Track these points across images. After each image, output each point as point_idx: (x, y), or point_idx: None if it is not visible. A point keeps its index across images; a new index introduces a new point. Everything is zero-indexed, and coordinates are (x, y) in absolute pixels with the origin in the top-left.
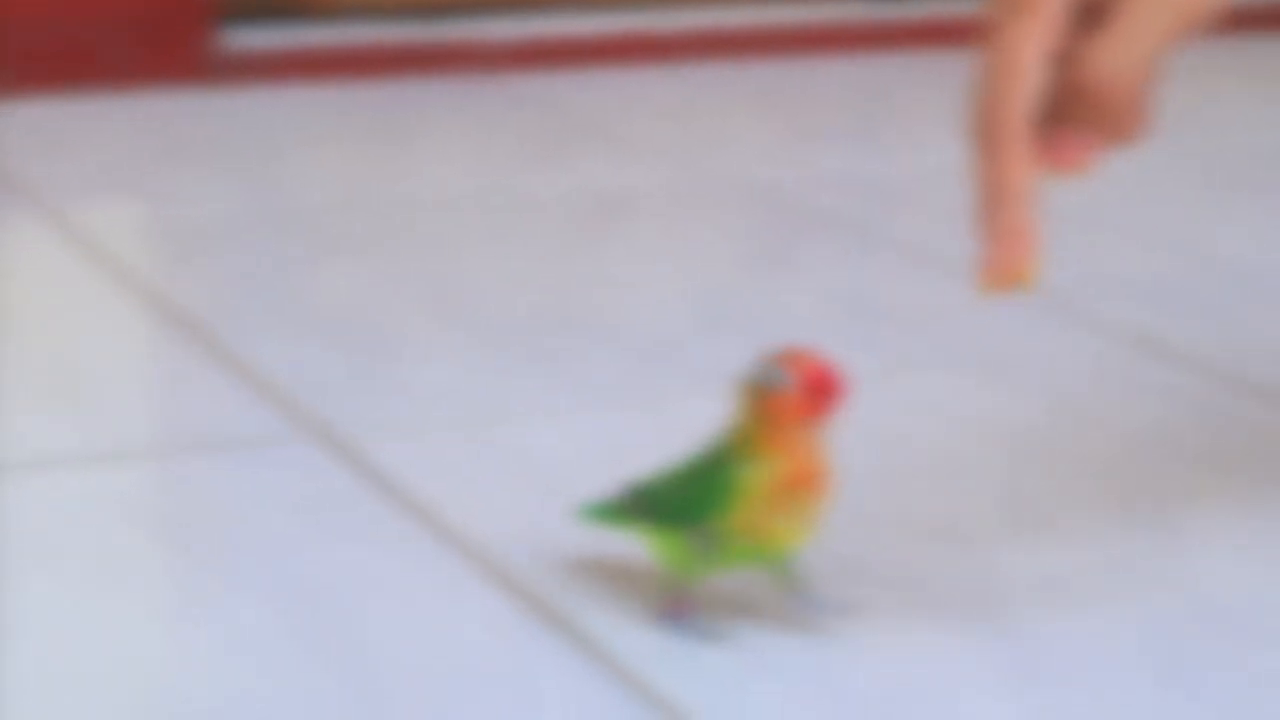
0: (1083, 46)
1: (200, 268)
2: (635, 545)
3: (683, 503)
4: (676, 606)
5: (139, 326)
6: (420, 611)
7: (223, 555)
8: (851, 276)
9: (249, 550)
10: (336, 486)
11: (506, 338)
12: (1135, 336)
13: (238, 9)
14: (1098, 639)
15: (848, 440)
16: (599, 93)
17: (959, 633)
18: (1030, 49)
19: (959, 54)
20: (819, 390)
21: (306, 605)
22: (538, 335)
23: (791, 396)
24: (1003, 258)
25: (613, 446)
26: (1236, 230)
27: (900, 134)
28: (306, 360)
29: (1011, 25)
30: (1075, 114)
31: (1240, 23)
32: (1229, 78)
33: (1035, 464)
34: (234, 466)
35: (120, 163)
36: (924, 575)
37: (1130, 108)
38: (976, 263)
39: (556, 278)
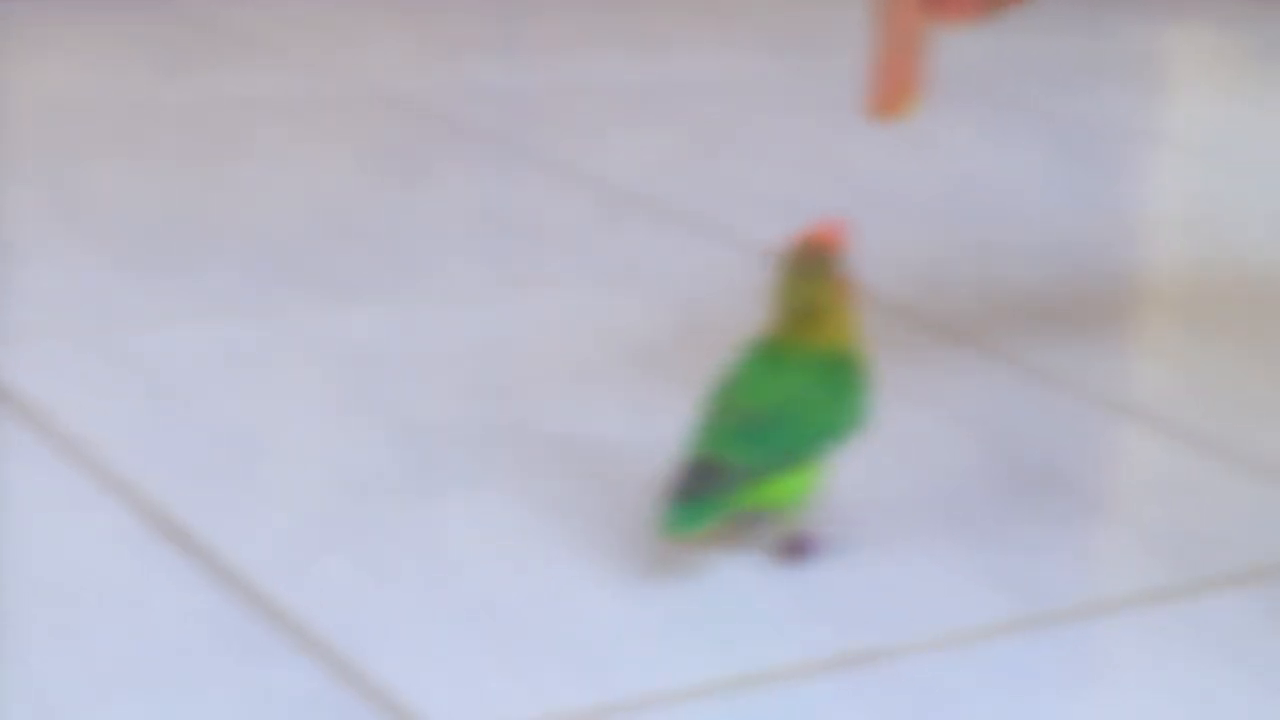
0: None
1: None
2: (257, 453)
3: (829, 424)
4: (803, 539)
5: None
6: (36, 521)
7: None
8: (486, 189)
9: None
10: None
11: (126, 245)
12: (766, 251)
13: None
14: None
15: (482, 350)
16: (239, 3)
17: (580, 530)
18: None
19: None
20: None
21: None
22: (158, 242)
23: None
24: (888, 88)
25: (229, 355)
26: (863, 149)
27: (539, 49)
28: None
29: None
30: None
31: None
32: None
33: (659, 376)
34: None
35: None
36: (546, 482)
37: None
38: (867, 93)
39: (181, 185)
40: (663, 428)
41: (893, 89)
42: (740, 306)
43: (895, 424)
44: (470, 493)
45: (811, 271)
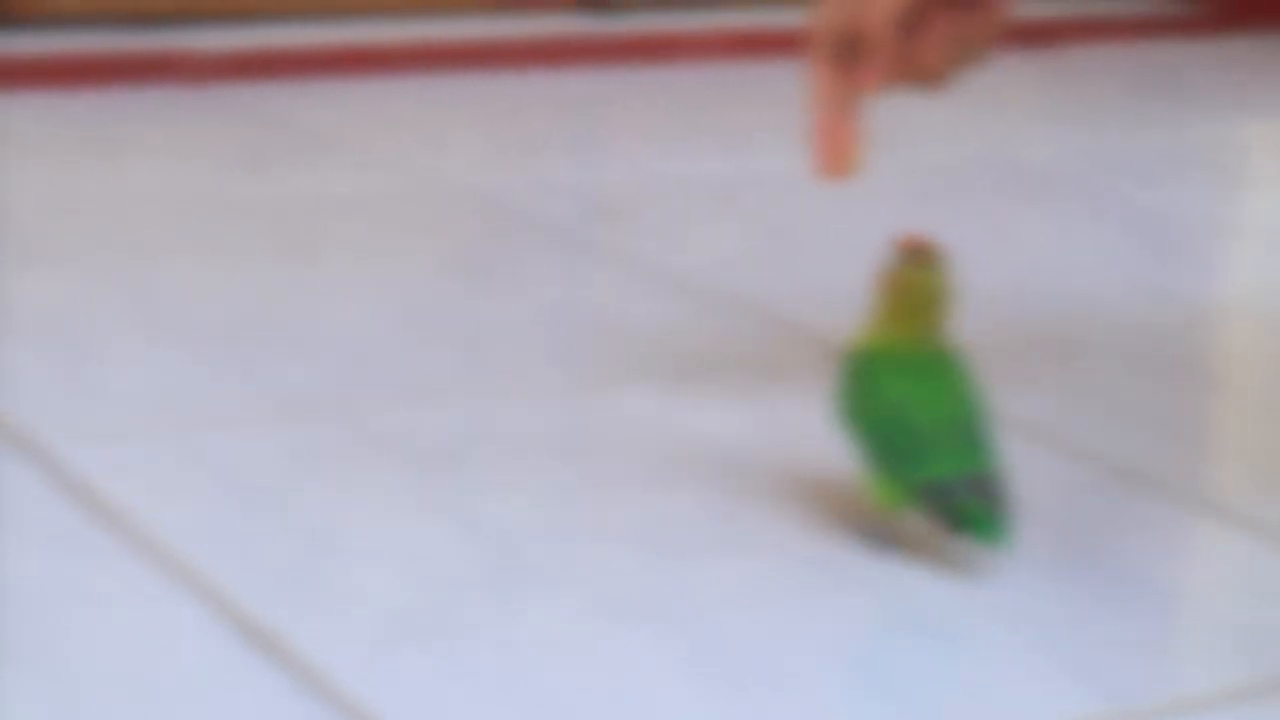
0: None
1: None
2: (339, 551)
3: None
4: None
5: None
6: (117, 620)
7: None
8: (565, 287)
9: None
10: (35, 493)
11: (209, 345)
12: (840, 347)
13: None
14: (798, 642)
15: (559, 447)
16: (314, 103)
17: (657, 639)
18: None
19: (670, 68)
20: None
21: (2, 612)
22: (240, 343)
23: None
24: (828, 151)
25: (307, 454)
26: (946, 241)
27: (616, 145)
28: (8, 365)
29: None
30: (863, 46)
31: None
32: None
33: (740, 475)
34: None
35: None
36: (625, 582)
37: (893, 49)
38: (814, 153)
39: (262, 286)
40: (742, 528)
41: (832, 151)
42: (814, 403)
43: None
44: (549, 593)
45: (927, 263)
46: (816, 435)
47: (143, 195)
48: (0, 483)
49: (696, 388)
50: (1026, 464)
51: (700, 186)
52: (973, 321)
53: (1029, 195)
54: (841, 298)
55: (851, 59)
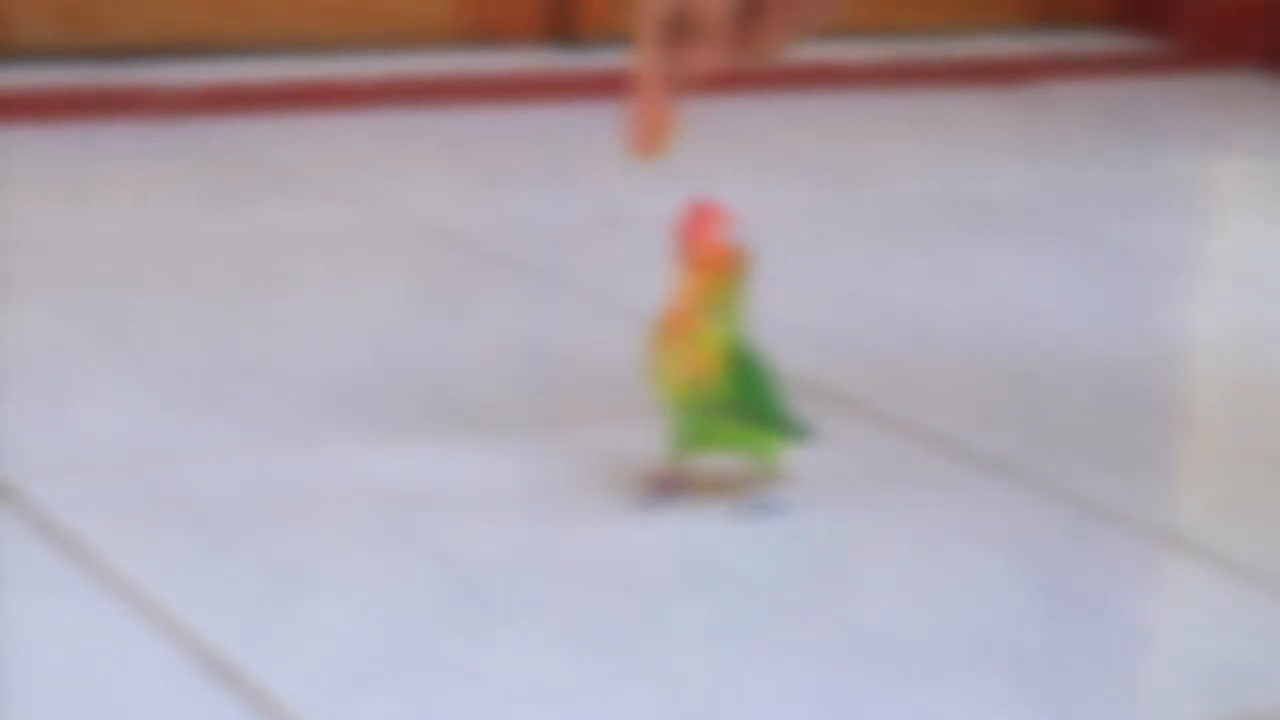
0: None
1: None
2: (304, 588)
3: None
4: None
5: None
6: (84, 657)
7: None
8: (531, 322)
9: None
10: (1, 530)
11: (177, 381)
12: (805, 384)
13: None
14: (766, 682)
15: (525, 482)
16: (282, 138)
17: (624, 674)
18: None
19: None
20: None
21: None
22: (207, 378)
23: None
24: (643, 131)
25: (275, 489)
26: (903, 278)
27: (581, 181)
28: None
29: None
30: (696, 29)
31: (905, 76)
32: (899, 130)
33: (705, 509)
34: None
35: None
36: (593, 618)
37: (729, 32)
38: (629, 132)
39: (229, 320)
40: (710, 564)
41: (648, 132)
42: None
43: (937, 556)
44: (516, 629)
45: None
46: (788, 473)
47: (110, 230)
48: None
49: (659, 422)
50: (993, 499)
51: (663, 221)
52: (938, 357)
53: (995, 231)
54: (803, 332)
55: (682, 42)
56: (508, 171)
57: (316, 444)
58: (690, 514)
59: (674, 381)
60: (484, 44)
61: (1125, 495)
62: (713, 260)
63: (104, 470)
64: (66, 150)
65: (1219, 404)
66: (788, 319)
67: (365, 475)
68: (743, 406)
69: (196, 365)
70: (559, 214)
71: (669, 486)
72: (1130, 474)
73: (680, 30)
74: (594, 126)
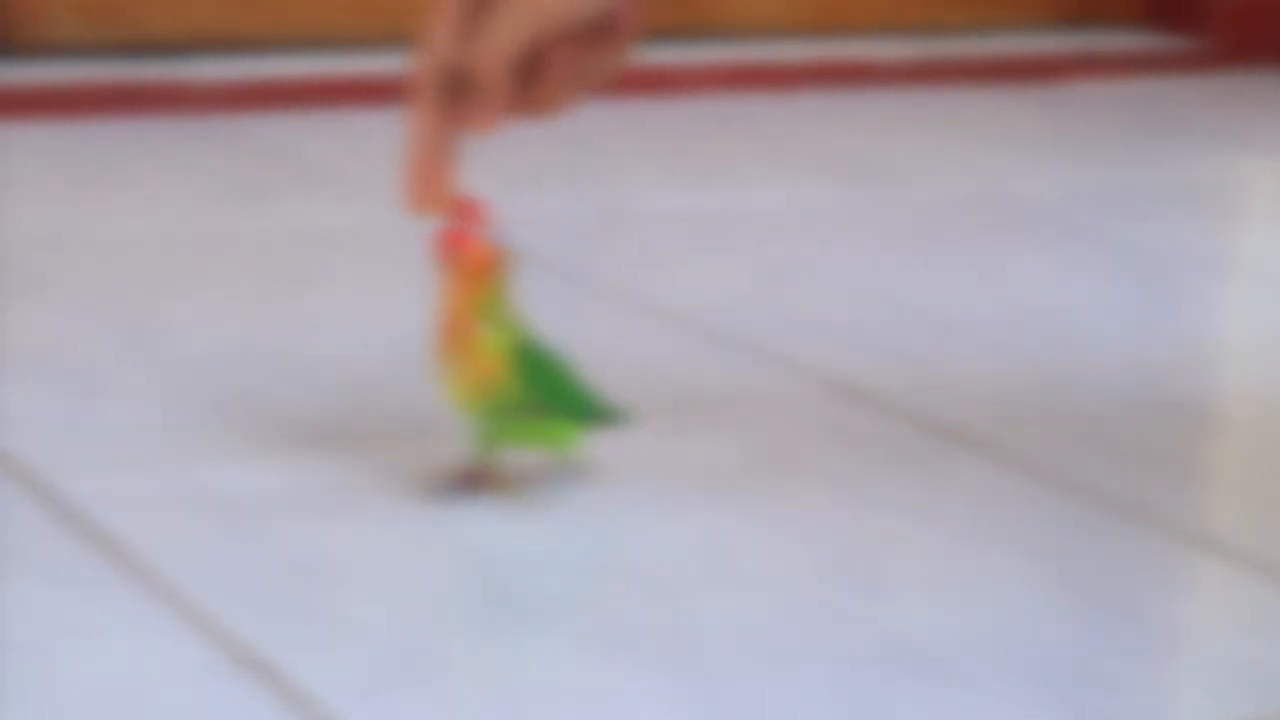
0: (475, 32)
1: None
2: (336, 584)
3: None
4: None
5: None
6: (114, 652)
7: None
8: (558, 320)
9: None
10: (32, 526)
11: (205, 377)
12: (837, 383)
13: None
14: (794, 682)
15: (553, 479)
16: (311, 134)
17: (652, 674)
18: (441, 29)
19: (664, 101)
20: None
21: None
22: (237, 375)
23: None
24: (417, 186)
25: (305, 487)
26: (936, 277)
27: (610, 179)
28: (4, 398)
29: (432, 12)
30: (473, 85)
31: (935, 74)
32: (932, 128)
33: (738, 509)
34: None
35: None
36: (621, 617)
37: (507, 88)
38: (403, 186)
39: (258, 317)
40: (741, 562)
41: (423, 188)
42: (809, 439)
43: (965, 556)
44: (545, 626)
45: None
46: (810, 465)
47: (139, 226)
48: None
49: (690, 420)
50: (1022, 499)
51: (693, 220)
52: (966, 356)
53: (1024, 230)
54: (831, 330)
55: (457, 98)
56: (535, 169)
57: (346, 440)
58: (720, 513)
59: (463, 389)
60: None
61: (1155, 496)
62: (475, 265)
63: (134, 467)
64: (95, 146)
65: (1249, 404)
66: (815, 317)
67: (395, 471)
68: (536, 404)
69: (227, 361)
70: (580, 211)
71: (473, 482)
72: (1160, 474)
73: (457, 85)
74: (620, 124)
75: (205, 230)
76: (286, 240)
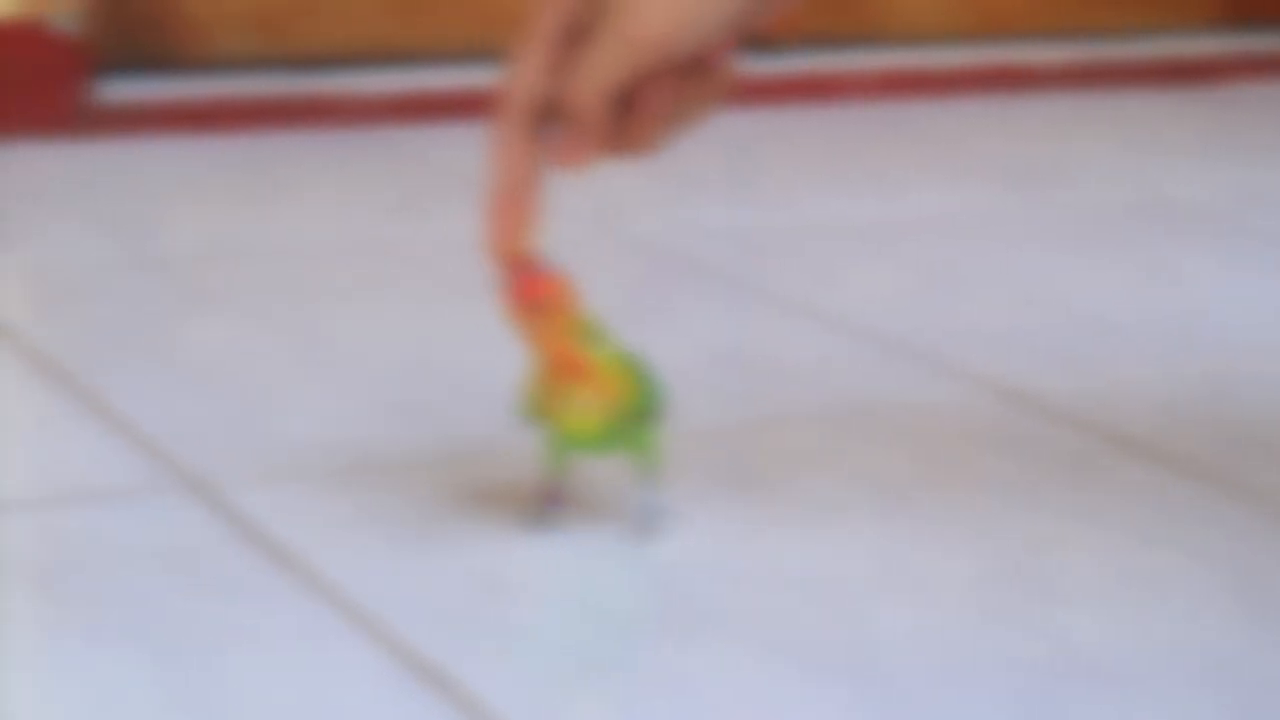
0: (568, 66)
1: (73, 317)
2: (508, 592)
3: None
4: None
5: (10, 376)
6: (289, 662)
7: (91, 607)
8: (723, 328)
9: (118, 602)
10: (205, 537)
11: (373, 388)
12: (1001, 388)
13: (110, 60)
14: (965, 688)
15: (724, 489)
16: (470, 145)
17: (824, 682)
18: (531, 63)
19: (828, 107)
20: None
21: (175, 657)
22: (403, 386)
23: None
24: (501, 226)
25: (477, 495)
26: (1098, 281)
27: (771, 186)
28: (178, 409)
29: (521, 42)
30: (565, 121)
31: (1095, 77)
32: (1092, 131)
33: (907, 515)
34: (104, 516)
35: None
36: (792, 624)
37: (603, 124)
38: (485, 228)
39: (425, 327)
40: (911, 569)
41: (506, 229)
42: (977, 445)
43: (1133, 561)
44: (721, 635)
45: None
46: (978, 472)
47: (304, 238)
48: (172, 525)
49: (857, 427)
50: (1190, 505)
51: (858, 226)
52: (1131, 360)
53: (1188, 234)
54: (995, 336)
55: (549, 131)
56: (698, 177)
57: (518, 451)
58: (891, 521)
59: (590, 415)
60: None
61: None
62: (557, 300)
63: (304, 475)
64: (259, 159)
65: None
66: (979, 323)
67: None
68: (656, 407)
69: (393, 371)
70: (743, 218)
71: (557, 501)
72: None
73: (549, 120)
74: (783, 130)
75: (370, 241)
76: (450, 251)
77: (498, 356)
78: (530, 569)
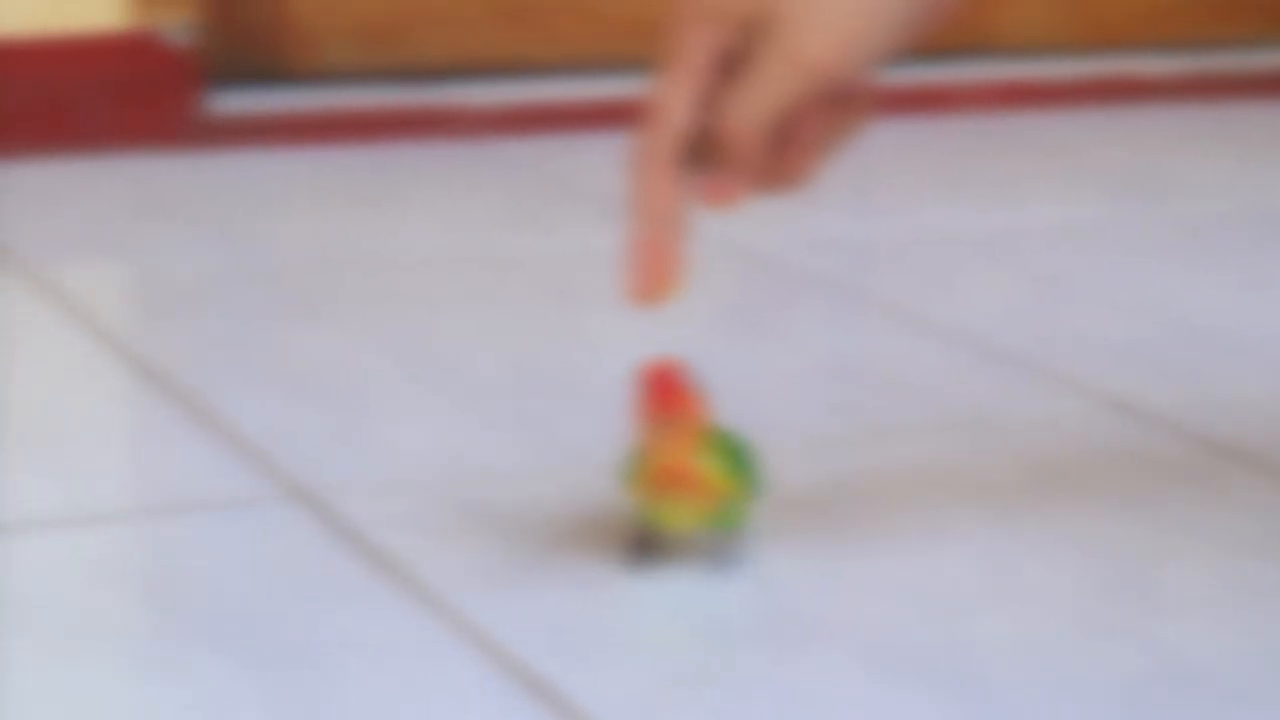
0: (722, 96)
1: (182, 328)
2: (613, 603)
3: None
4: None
5: (121, 387)
6: (395, 672)
7: (200, 616)
8: (837, 339)
9: (226, 610)
10: (314, 546)
11: (482, 398)
12: (1113, 400)
13: (224, 73)
14: (1072, 701)
15: (833, 499)
16: (583, 157)
17: (930, 693)
18: (679, 94)
19: (944, 119)
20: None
21: (281, 666)
22: (514, 395)
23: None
24: (648, 272)
25: (583, 505)
26: (1211, 293)
27: (885, 198)
28: (285, 420)
29: (666, 73)
30: (718, 156)
31: (1210, 88)
32: (1204, 143)
33: (1015, 527)
34: (212, 526)
35: (105, 224)
36: (899, 636)
37: (761, 157)
38: (631, 273)
39: (536, 339)
40: (1018, 581)
41: (653, 274)
42: (1085, 455)
43: (1241, 573)
44: (824, 646)
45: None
46: (1086, 482)
47: (414, 249)
48: (279, 535)
49: (969, 438)
50: None
51: (970, 237)
52: (1246, 372)
53: None
54: (1110, 347)
55: (699, 166)
56: (813, 190)
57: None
58: (1000, 530)
59: (691, 519)
60: None
61: None
62: (688, 413)
63: (412, 485)
64: (372, 170)
65: None
66: (1091, 333)
67: None
68: (754, 497)
69: (504, 383)
70: (858, 230)
71: (649, 548)
72: None
73: (701, 155)
74: (896, 142)
75: (479, 252)
76: (560, 262)
77: (607, 368)
78: (636, 581)
